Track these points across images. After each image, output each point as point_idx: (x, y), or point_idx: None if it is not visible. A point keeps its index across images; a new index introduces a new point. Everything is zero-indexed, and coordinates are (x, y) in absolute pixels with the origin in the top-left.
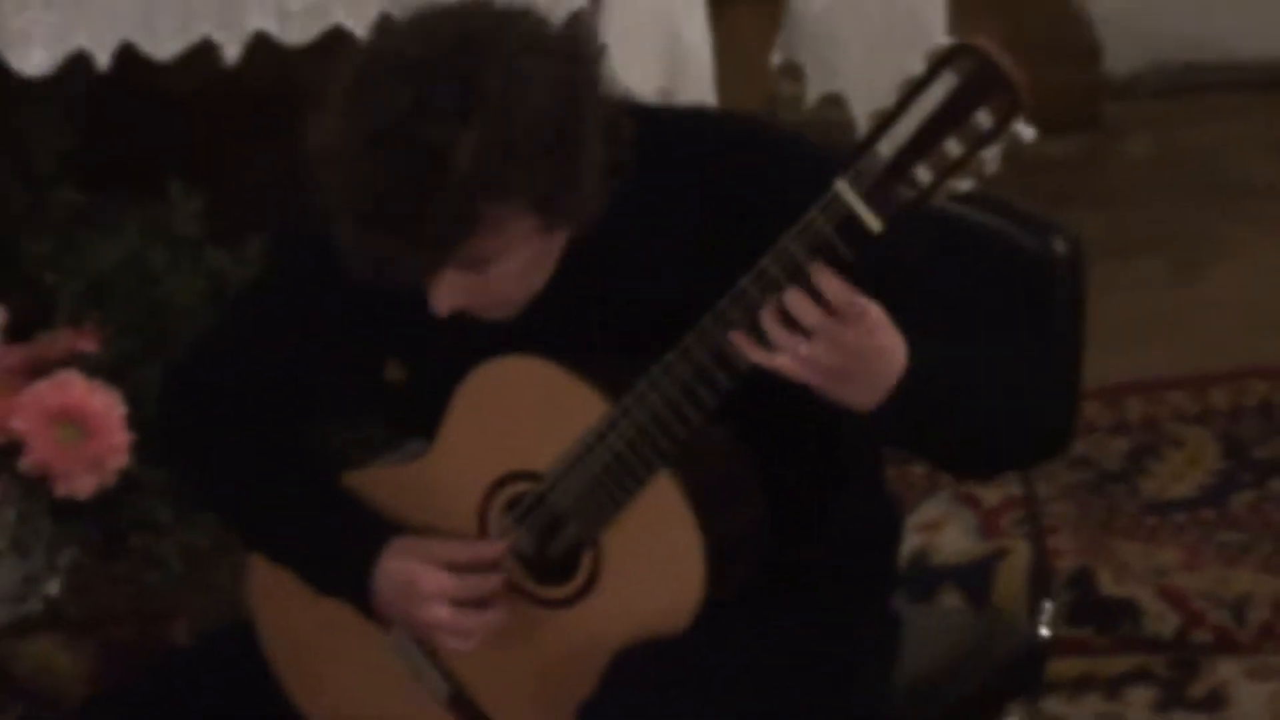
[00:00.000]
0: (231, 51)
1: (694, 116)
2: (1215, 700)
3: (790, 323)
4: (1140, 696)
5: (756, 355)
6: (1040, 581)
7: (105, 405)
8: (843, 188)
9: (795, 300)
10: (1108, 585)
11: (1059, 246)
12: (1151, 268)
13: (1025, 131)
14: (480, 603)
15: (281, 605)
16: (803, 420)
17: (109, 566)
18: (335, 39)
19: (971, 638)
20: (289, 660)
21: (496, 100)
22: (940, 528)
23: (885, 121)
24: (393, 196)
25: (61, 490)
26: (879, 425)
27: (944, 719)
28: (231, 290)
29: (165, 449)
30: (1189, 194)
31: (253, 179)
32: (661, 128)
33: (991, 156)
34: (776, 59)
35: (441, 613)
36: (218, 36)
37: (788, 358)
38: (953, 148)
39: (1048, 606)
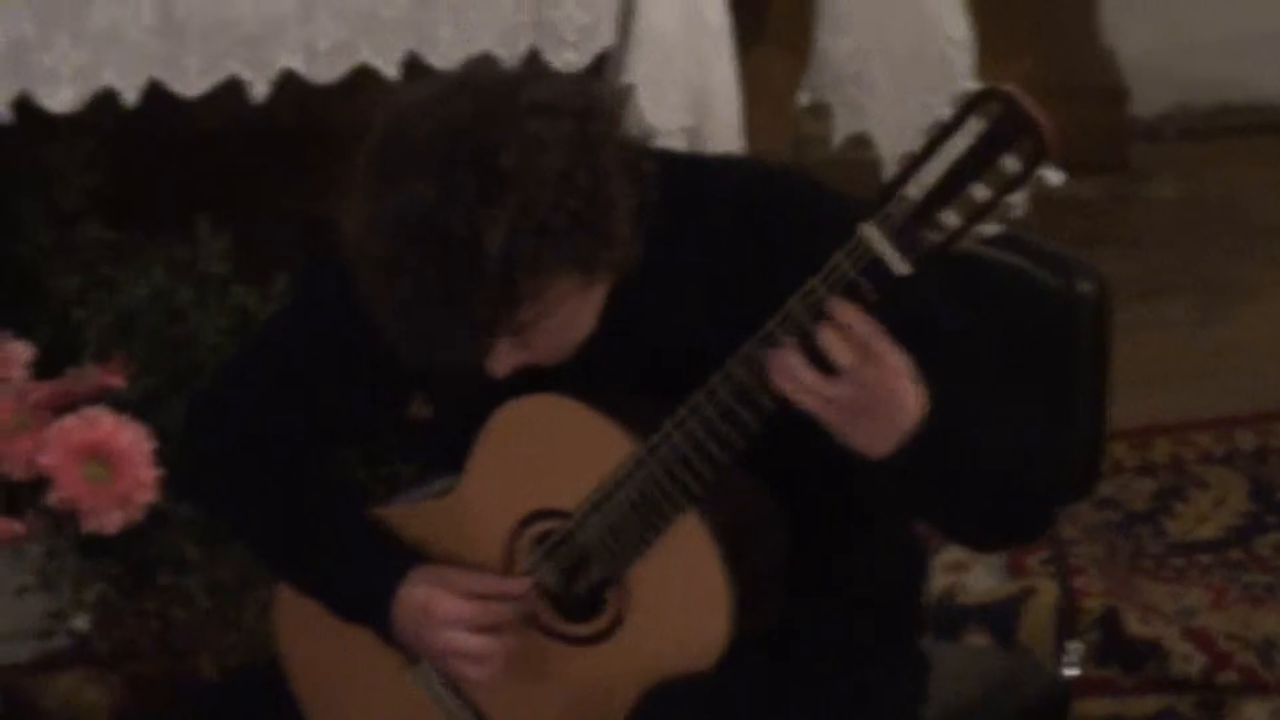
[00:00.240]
0: (259, 90)
1: (724, 165)
2: None
3: (816, 358)
4: None
5: (784, 385)
6: (1066, 621)
7: (132, 441)
8: (869, 231)
9: (824, 336)
10: (1134, 625)
11: (1085, 287)
12: (1178, 309)
13: (1053, 176)
14: (495, 630)
15: (308, 641)
16: (825, 464)
17: (136, 602)
18: (363, 77)
19: (998, 677)
20: (316, 696)
21: (518, 175)
22: (967, 567)
23: (912, 165)
24: (433, 291)
25: (89, 526)
26: (884, 475)
27: None
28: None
29: (188, 476)
30: (1215, 236)
31: (280, 217)
32: (693, 177)
33: (1019, 201)
34: (803, 99)
35: (456, 638)
36: (245, 75)
37: (808, 394)
38: (980, 192)
39: (1074, 646)
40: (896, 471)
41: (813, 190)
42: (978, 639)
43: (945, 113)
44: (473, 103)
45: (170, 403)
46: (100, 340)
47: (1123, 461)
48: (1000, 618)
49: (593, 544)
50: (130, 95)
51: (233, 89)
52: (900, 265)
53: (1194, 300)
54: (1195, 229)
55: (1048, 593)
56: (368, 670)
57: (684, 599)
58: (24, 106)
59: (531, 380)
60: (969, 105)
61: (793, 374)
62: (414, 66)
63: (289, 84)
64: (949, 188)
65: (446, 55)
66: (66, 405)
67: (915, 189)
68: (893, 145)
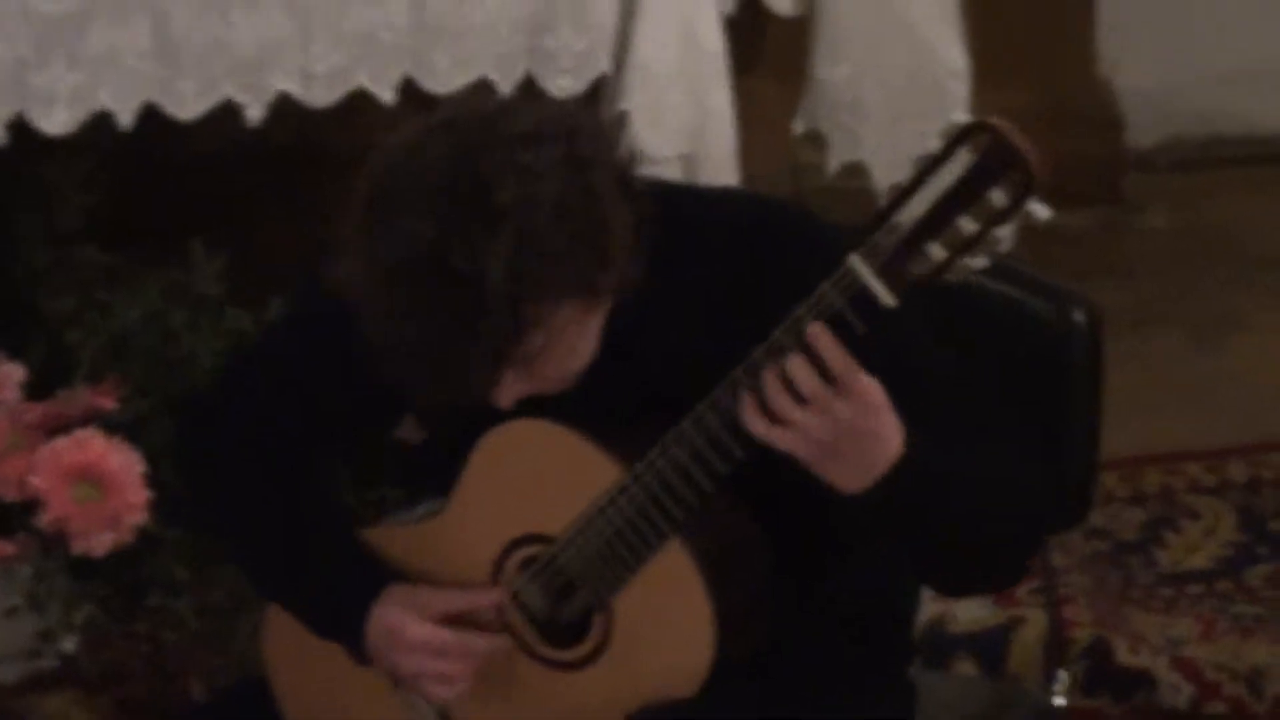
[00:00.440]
0: (254, 113)
1: (719, 196)
2: None
3: (790, 388)
4: None
5: (753, 423)
6: (1055, 651)
7: (124, 464)
8: (856, 262)
9: (796, 365)
10: (1123, 655)
11: (1078, 317)
12: (1170, 340)
13: (1040, 210)
14: (462, 656)
15: (296, 663)
16: (810, 491)
17: (125, 624)
18: (360, 101)
19: (986, 706)
20: (301, 712)
21: (513, 206)
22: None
23: (900, 197)
24: (441, 330)
25: (79, 548)
26: (859, 512)
27: None
28: None
29: (181, 479)
30: (1208, 267)
31: (275, 240)
32: (690, 208)
33: (1006, 235)
34: (799, 127)
35: (423, 662)
36: (241, 98)
37: (780, 429)
38: (967, 225)
39: (1063, 676)
40: (871, 509)
41: (804, 221)
42: (966, 668)
43: (934, 144)
44: (460, 140)
45: (163, 425)
46: (93, 362)
47: (1114, 491)
48: (989, 647)
49: (578, 570)
50: (125, 118)
51: (229, 112)
52: (887, 297)
53: (1186, 331)
54: (1188, 260)
55: (1037, 622)
56: (356, 692)
57: (668, 625)
58: (23, 127)
59: (524, 405)
60: (957, 138)
61: (766, 402)
62: (410, 91)
63: (285, 107)
64: (936, 220)
65: (443, 81)
66: (58, 427)
67: (903, 221)
68: (888, 174)
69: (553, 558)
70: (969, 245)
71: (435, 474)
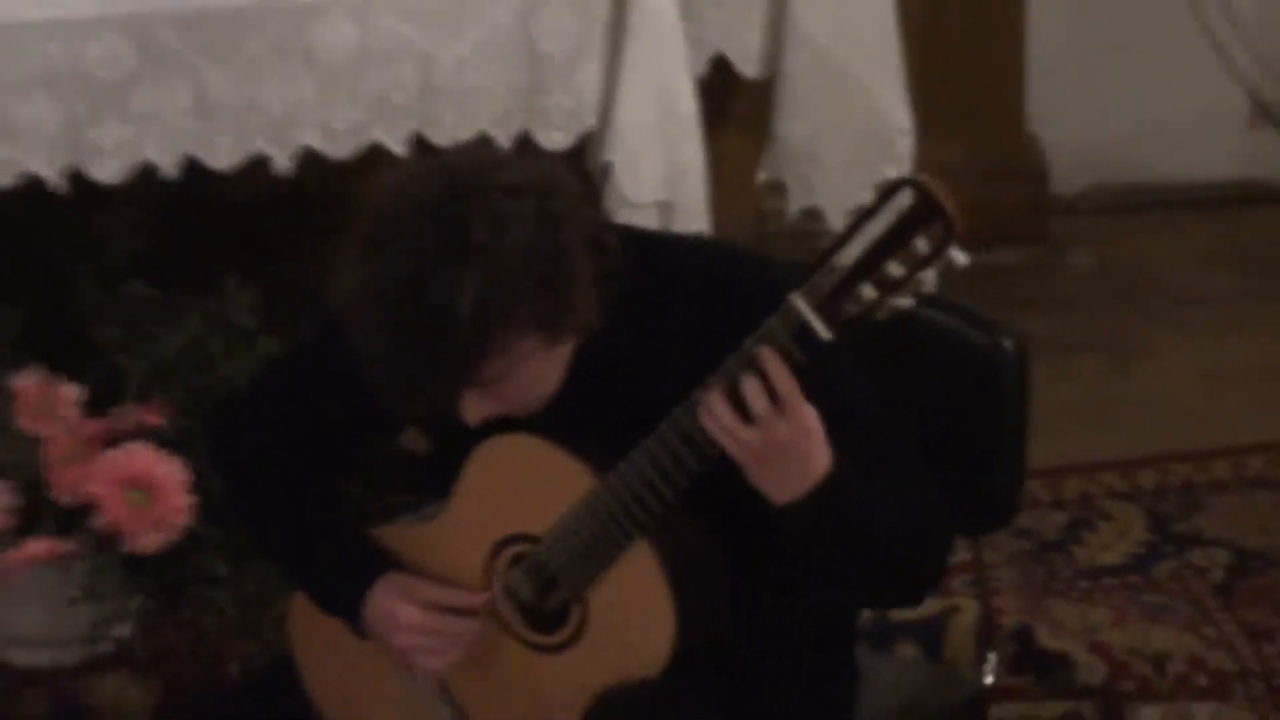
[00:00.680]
0: (282, 164)
1: (683, 243)
2: None
3: (739, 405)
4: None
5: (707, 423)
6: (986, 636)
7: (169, 472)
8: (797, 300)
9: (748, 386)
10: (1045, 640)
11: (1008, 345)
12: (1089, 365)
13: (959, 256)
14: (447, 637)
15: (318, 646)
16: (758, 510)
17: (172, 613)
18: (375, 153)
19: (925, 685)
20: (324, 692)
21: (486, 247)
22: None
23: (836, 244)
24: (411, 345)
25: (130, 547)
26: (783, 519)
27: None
28: None
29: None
30: (1124, 301)
31: (301, 275)
32: (657, 254)
33: (929, 278)
34: (762, 177)
35: (412, 640)
36: (270, 151)
37: (727, 437)
38: (894, 269)
39: (992, 658)
40: (798, 518)
41: (756, 265)
42: (908, 651)
43: (867, 197)
44: (448, 184)
45: (202, 439)
46: (141, 384)
47: (1038, 496)
48: (928, 633)
49: (558, 565)
50: (169, 169)
51: (259, 163)
52: (824, 331)
53: (1104, 357)
54: (1106, 294)
55: (969, 611)
56: (366, 668)
57: (635, 615)
58: (78, 178)
59: (515, 422)
60: (887, 191)
61: (715, 415)
62: (420, 144)
63: (309, 159)
64: (868, 264)
65: (448, 136)
66: (111, 440)
67: (841, 264)
68: (841, 219)
69: (537, 555)
70: (896, 287)
71: (438, 480)
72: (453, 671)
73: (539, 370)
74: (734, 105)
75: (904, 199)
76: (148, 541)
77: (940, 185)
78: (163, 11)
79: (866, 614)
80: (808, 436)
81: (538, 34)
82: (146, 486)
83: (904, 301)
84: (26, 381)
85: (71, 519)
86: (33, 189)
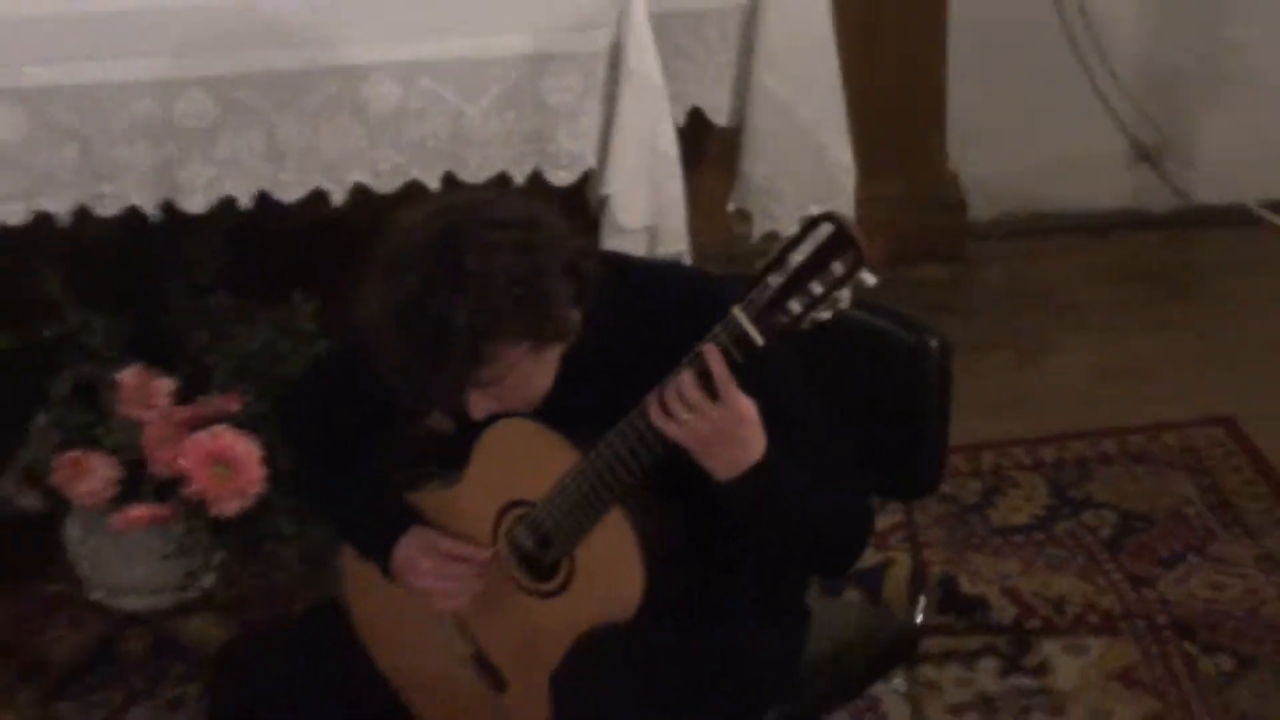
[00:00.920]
0: (338, 198)
1: (651, 269)
2: (1041, 669)
3: (683, 397)
4: (988, 666)
5: (656, 416)
6: (917, 583)
7: (246, 450)
8: (737, 312)
9: (688, 380)
10: (966, 586)
11: (932, 343)
12: (999, 360)
13: (869, 278)
14: (458, 580)
15: (363, 590)
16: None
17: (248, 566)
18: (414, 188)
19: (867, 624)
20: (367, 625)
21: (476, 273)
22: None
23: (769, 266)
24: (418, 354)
25: (214, 511)
26: (724, 495)
27: (848, 682)
28: None
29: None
30: (1029, 308)
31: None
32: (630, 277)
33: (845, 295)
34: (731, 206)
35: (428, 582)
36: (328, 187)
37: (674, 424)
38: (816, 288)
39: (922, 601)
40: (736, 495)
41: (709, 284)
42: (853, 596)
43: (794, 229)
44: (446, 222)
45: (273, 424)
46: (223, 378)
47: (959, 468)
48: (869, 580)
49: (551, 526)
50: (245, 201)
51: (319, 197)
52: (758, 338)
53: (1011, 354)
54: (1014, 303)
55: (903, 563)
56: (401, 611)
57: (612, 568)
58: (171, 208)
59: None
60: (809, 224)
61: (667, 403)
62: (451, 181)
63: (359, 193)
64: (794, 284)
65: (473, 174)
66: (199, 424)
67: (773, 281)
68: None
69: (535, 516)
70: (817, 302)
71: (459, 454)
72: (467, 610)
73: (529, 372)
74: (708, 148)
75: (823, 231)
76: (229, 507)
77: (852, 221)
78: (240, 73)
79: None
80: (743, 424)
81: (546, 91)
82: (228, 461)
83: (825, 314)
84: (129, 376)
85: (166, 489)
86: (134, 219)
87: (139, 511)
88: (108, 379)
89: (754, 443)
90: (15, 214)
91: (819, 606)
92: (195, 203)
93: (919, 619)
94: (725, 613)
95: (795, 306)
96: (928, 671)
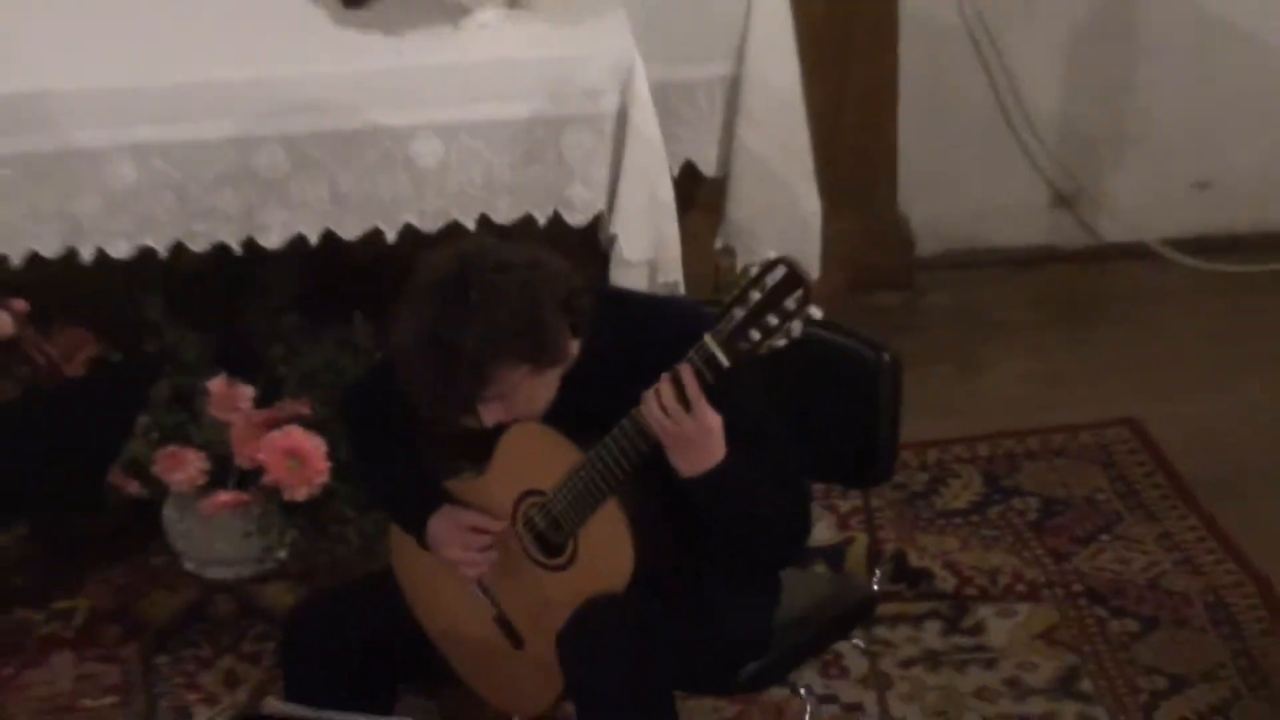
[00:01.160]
0: (391, 236)
1: (640, 301)
2: (977, 629)
3: (661, 404)
4: (932, 627)
5: (649, 408)
6: (874, 557)
7: (314, 446)
8: (708, 338)
9: (664, 389)
10: (914, 560)
11: (886, 358)
12: (943, 372)
13: (815, 312)
14: (481, 550)
15: (407, 562)
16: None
17: (316, 542)
18: (454, 229)
19: (831, 592)
20: (411, 587)
21: (482, 307)
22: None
23: (734, 300)
24: (433, 375)
25: (287, 496)
26: (688, 490)
27: (815, 640)
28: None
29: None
30: (969, 329)
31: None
32: (622, 309)
33: (797, 326)
34: (718, 244)
35: (455, 553)
36: (383, 226)
37: (657, 425)
38: (771, 320)
39: (878, 573)
40: (698, 490)
41: (689, 314)
42: (819, 567)
43: (754, 269)
44: (458, 264)
45: (337, 426)
46: (294, 386)
47: (908, 462)
48: (833, 555)
49: (560, 511)
50: (313, 238)
51: (376, 235)
52: (725, 360)
53: (953, 368)
54: (956, 324)
55: (862, 540)
56: (440, 578)
57: (608, 547)
58: (251, 244)
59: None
60: (768, 267)
61: (649, 411)
62: (486, 223)
63: (409, 232)
64: (753, 316)
65: (504, 216)
66: (275, 424)
67: (737, 313)
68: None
69: (546, 503)
70: (773, 332)
71: (487, 451)
72: (491, 579)
73: (531, 390)
74: (699, 195)
75: (778, 273)
76: (299, 493)
77: (799, 263)
78: (309, 132)
79: None
80: (709, 433)
81: (565, 147)
82: (298, 456)
83: (780, 342)
84: (216, 384)
85: (247, 478)
86: (222, 253)
87: (225, 497)
88: (199, 386)
89: (715, 449)
90: (124, 249)
91: (790, 577)
92: (272, 240)
93: (875, 587)
94: (707, 584)
95: (755, 334)
96: (882, 631)
